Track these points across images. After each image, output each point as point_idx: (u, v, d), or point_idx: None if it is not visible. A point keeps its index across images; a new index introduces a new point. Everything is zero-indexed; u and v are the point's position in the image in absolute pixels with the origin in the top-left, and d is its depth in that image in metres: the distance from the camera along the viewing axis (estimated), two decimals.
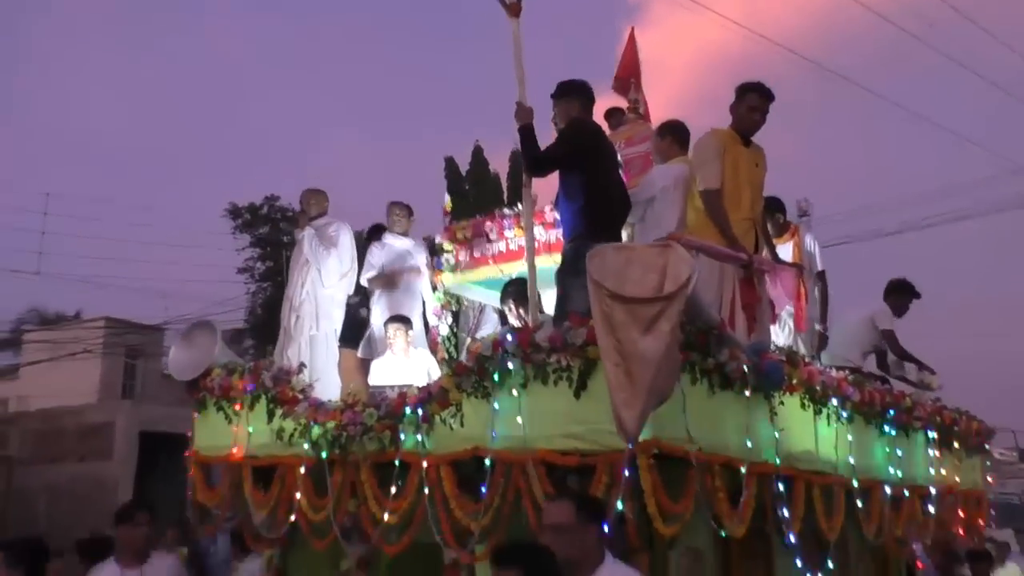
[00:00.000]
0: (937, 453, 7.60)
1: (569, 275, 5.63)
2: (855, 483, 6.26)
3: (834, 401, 6.18)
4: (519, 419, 4.95)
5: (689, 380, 4.90)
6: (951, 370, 9.20)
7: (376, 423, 5.54)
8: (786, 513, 5.45)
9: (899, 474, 6.92)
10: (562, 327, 4.84)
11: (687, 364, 4.82)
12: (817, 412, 6.08)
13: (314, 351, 6.76)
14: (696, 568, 5.54)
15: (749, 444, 5.20)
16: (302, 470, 5.90)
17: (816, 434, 6.08)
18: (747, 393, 5.30)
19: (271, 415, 6.20)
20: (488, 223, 7.86)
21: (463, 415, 5.27)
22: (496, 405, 5.08)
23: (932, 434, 7.54)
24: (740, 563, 5.87)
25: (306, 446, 5.89)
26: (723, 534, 4.97)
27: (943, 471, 7.68)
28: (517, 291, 6.80)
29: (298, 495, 5.89)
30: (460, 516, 5.10)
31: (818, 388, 5.98)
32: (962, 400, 8.58)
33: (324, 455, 5.78)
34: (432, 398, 5.32)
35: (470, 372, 5.18)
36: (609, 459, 4.63)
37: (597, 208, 5.88)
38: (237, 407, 6.36)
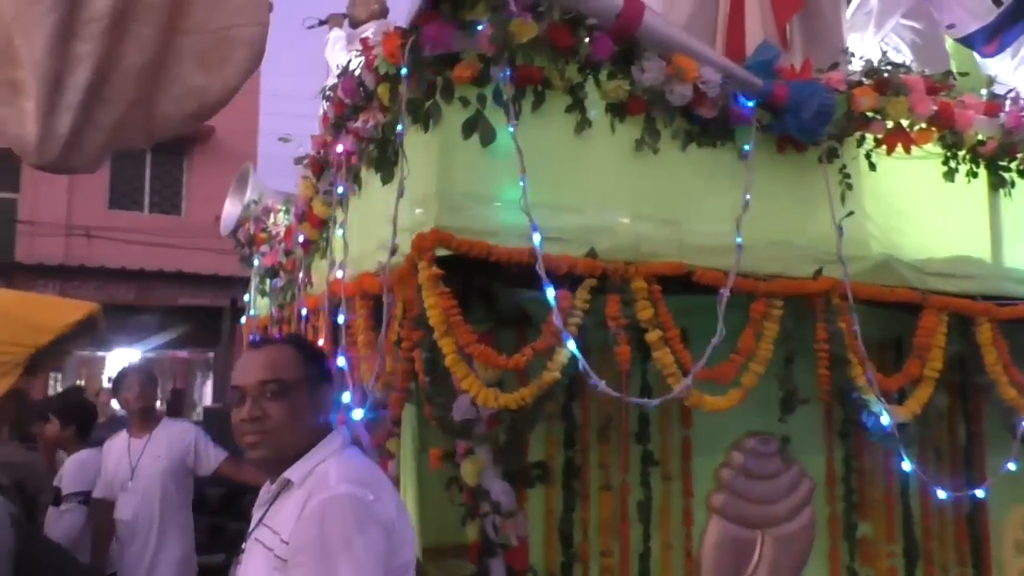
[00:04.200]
0: None
1: None
2: None
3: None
4: (341, 236, 2.93)
5: (569, 122, 2.44)
6: None
7: (286, 260, 3.85)
8: (866, 375, 2.67)
9: None
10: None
11: (533, 91, 2.38)
12: (998, 185, 3.02)
13: None
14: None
15: (740, 240, 2.55)
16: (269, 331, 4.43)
17: (994, 226, 3.03)
18: (747, 148, 2.62)
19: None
20: None
21: (328, 237, 3.35)
22: (337, 217, 3.08)
23: None
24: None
25: (265, 301, 4.40)
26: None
27: None
28: None
29: None
30: None
31: (985, 137, 2.92)
32: None
33: (261, 312, 4.24)
34: (304, 218, 3.46)
35: (321, 169, 3.22)
36: (397, 274, 2.45)
37: None
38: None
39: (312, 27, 5.67)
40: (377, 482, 1.88)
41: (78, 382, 14.47)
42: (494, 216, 2.34)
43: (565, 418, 2.87)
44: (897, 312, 2.92)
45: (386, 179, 2.61)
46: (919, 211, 2.90)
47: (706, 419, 2.93)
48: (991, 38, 4.03)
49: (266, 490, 1.99)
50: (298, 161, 3.33)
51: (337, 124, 2.84)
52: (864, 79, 2.75)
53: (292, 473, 1.87)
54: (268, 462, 1.93)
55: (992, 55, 4.11)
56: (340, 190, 2.91)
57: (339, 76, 2.66)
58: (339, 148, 2.90)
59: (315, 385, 1.93)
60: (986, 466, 3.39)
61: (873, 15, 3.83)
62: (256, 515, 1.97)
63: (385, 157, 2.58)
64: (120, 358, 13.83)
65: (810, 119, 2.53)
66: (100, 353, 15.80)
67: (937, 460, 3.41)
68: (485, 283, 2.68)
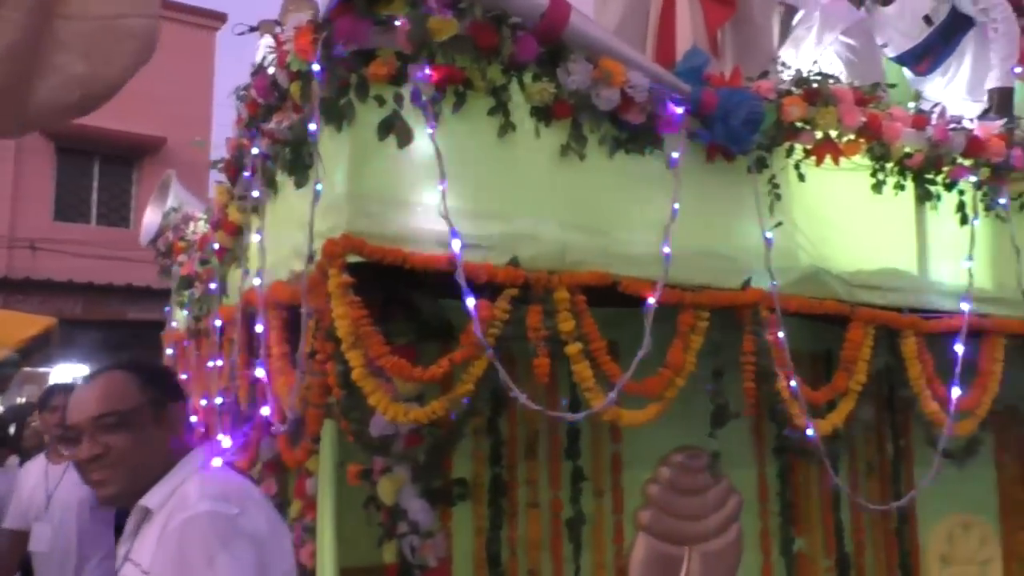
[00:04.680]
0: None
1: None
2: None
3: (972, 179, 3.00)
4: (257, 243, 2.76)
5: (493, 125, 2.32)
6: None
7: (202, 269, 3.65)
8: (791, 384, 2.60)
9: None
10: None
11: (455, 92, 2.25)
12: (924, 198, 2.99)
13: None
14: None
15: (666, 250, 2.45)
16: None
17: (921, 239, 3.00)
18: (674, 155, 2.53)
19: None
20: None
21: (245, 244, 3.16)
22: (253, 224, 2.90)
23: None
24: None
25: (184, 313, 4.17)
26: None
27: None
28: None
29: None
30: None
31: (912, 150, 2.88)
32: None
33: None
34: (219, 225, 3.27)
35: (236, 173, 3.04)
36: (310, 283, 2.29)
37: None
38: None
39: (242, 34, 5.44)
40: (243, 496, 1.74)
41: (19, 400, 13.84)
42: (412, 221, 2.20)
43: (491, 433, 2.74)
44: (828, 324, 2.85)
45: (300, 182, 2.45)
46: (848, 223, 2.84)
47: (637, 433, 2.84)
48: (923, 57, 4.04)
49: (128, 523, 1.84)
50: (213, 165, 3.14)
51: (250, 125, 2.67)
52: (794, 89, 2.68)
53: (149, 500, 1.73)
54: (122, 498, 1.78)
55: (924, 74, 4.12)
56: (255, 194, 2.73)
57: (252, 74, 2.50)
58: (254, 150, 2.73)
59: (158, 406, 1.79)
60: (914, 479, 3.36)
61: (814, 30, 3.82)
62: (120, 552, 1.82)
63: (299, 159, 2.42)
64: (64, 374, 13.29)
65: (739, 127, 2.44)
66: (43, 369, 15.22)
67: (867, 473, 3.36)
68: (408, 293, 2.55)
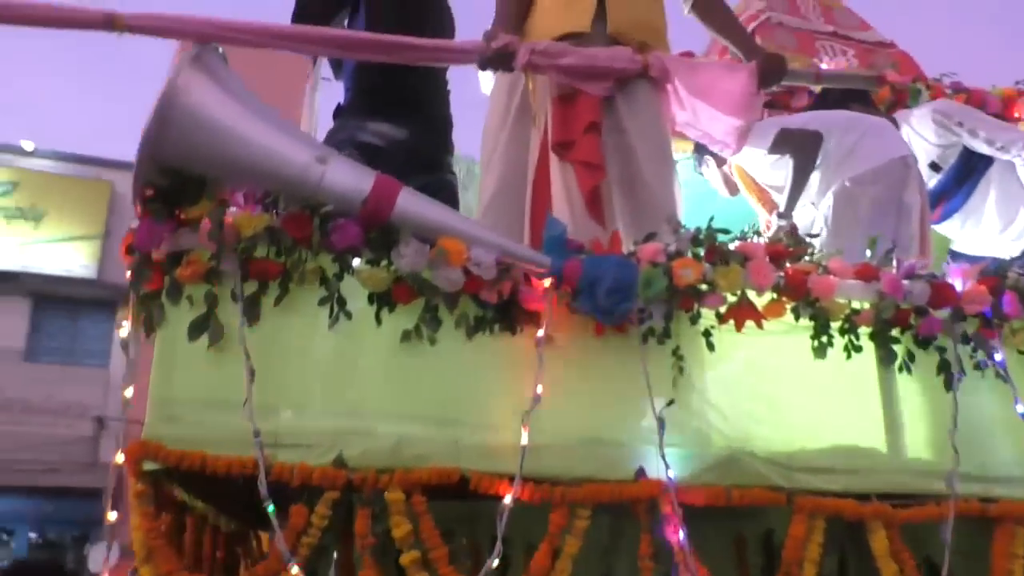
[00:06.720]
0: None
1: None
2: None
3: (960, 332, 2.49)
4: None
5: (324, 315, 2.19)
6: None
7: None
8: None
9: None
10: None
11: (280, 285, 2.15)
12: (888, 360, 2.50)
13: None
14: None
15: (524, 441, 2.14)
16: None
17: (889, 409, 2.48)
18: (539, 334, 2.25)
19: None
20: None
21: None
22: None
23: None
24: None
25: None
26: None
27: None
28: None
29: None
30: None
31: (865, 305, 2.45)
32: None
33: None
34: None
35: None
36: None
37: None
38: None
39: None
40: None
41: None
42: (227, 423, 2.08)
43: None
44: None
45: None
46: (785, 394, 2.41)
47: None
48: (935, 205, 3.59)
49: None
50: None
51: None
52: (695, 249, 2.39)
53: None
54: None
55: (938, 221, 3.65)
56: None
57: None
58: None
59: None
60: None
61: (819, 175, 3.47)
62: None
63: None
64: None
65: (604, 297, 2.18)
66: None
67: None
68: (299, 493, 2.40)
